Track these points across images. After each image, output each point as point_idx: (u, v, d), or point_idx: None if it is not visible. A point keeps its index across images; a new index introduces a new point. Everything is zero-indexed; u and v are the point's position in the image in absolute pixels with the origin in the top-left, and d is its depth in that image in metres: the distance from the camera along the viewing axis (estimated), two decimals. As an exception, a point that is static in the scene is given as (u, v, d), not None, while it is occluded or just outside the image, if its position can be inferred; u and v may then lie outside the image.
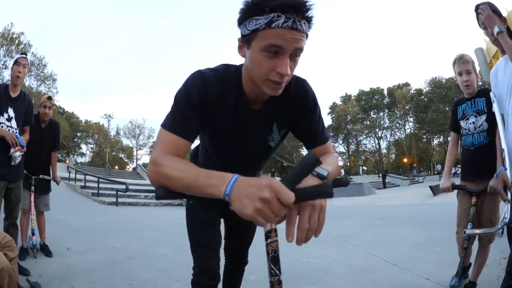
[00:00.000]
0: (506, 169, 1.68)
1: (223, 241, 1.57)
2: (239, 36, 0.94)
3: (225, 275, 1.73)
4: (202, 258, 1.38)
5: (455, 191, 2.38)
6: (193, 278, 1.39)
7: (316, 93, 1.13)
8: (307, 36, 0.90)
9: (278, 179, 0.77)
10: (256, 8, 0.86)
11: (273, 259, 0.87)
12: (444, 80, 47.30)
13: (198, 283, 1.36)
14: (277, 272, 0.88)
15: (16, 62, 2.93)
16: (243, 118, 1.08)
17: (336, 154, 1.16)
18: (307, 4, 0.85)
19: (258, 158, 1.27)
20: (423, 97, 50.49)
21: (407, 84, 53.67)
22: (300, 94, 1.09)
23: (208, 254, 1.38)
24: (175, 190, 0.87)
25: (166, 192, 0.87)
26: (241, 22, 0.91)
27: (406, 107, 51.59)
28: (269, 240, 0.87)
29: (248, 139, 1.14)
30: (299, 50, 0.89)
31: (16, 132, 2.86)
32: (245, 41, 0.92)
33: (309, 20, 0.88)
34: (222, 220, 1.53)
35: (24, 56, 3.05)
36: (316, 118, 1.13)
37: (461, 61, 2.32)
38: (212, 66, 1.08)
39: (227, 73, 1.04)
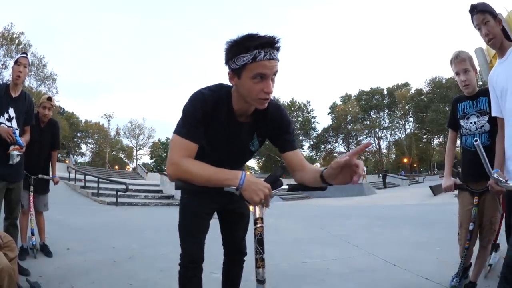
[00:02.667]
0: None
1: (219, 236, 1.78)
2: (229, 70, 1.25)
3: (224, 273, 1.81)
4: (187, 243, 1.64)
5: (456, 190, 2.36)
6: (179, 259, 1.64)
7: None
8: (279, 60, 1.22)
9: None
10: (241, 48, 1.18)
11: (259, 240, 1.21)
12: (444, 80, 47.28)
13: (182, 264, 1.63)
14: (261, 251, 1.21)
15: (16, 62, 2.91)
16: (231, 128, 1.40)
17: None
18: (276, 39, 1.19)
19: (241, 158, 1.61)
20: (423, 97, 50.48)
21: (407, 84, 53.68)
22: (277, 116, 1.45)
23: (193, 241, 1.63)
24: (193, 182, 1.22)
25: (182, 184, 1.24)
26: (228, 59, 1.23)
27: (406, 107, 51.59)
28: (256, 226, 1.21)
29: (234, 144, 1.46)
30: (276, 72, 1.23)
31: (16, 131, 2.83)
32: (236, 74, 1.23)
33: (279, 49, 1.21)
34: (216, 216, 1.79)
35: (25, 56, 3.03)
36: (289, 133, 1.48)
37: (458, 60, 2.24)
38: (210, 84, 1.40)
39: (220, 92, 1.35)
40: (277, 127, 1.45)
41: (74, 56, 74.04)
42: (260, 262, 1.20)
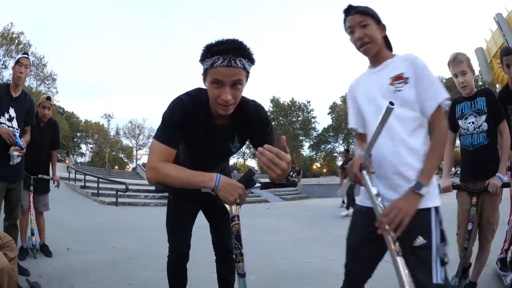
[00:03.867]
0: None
1: (208, 236, 1.88)
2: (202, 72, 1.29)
3: (218, 272, 1.88)
4: (174, 241, 1.77)
5: (455, 191, 2.36)
6: (168, 255, 1.79)
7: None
8: (245, 69, 1.23)
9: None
10: (206, 53, 1.22)
11: (236, 236, 1.29)
12: (444, 80, 47.28)
13: (170, 259, 1.78)
14: (240, 246, 1.28)
15: (18, 62, 2.89)
16: (210, 131, 1.43)
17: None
18: (241, 46, 1.20)
19: (222, 159, 1.69)
20: (423, 97, 50.44)
21: (407, 84, 53.62)
22: (255, 116, 1.44)
23: (179, 239, 1.76)
24: (171, 185, 1.28)
25: (163, 187, 1.33)
26: (200, 62, 1.26)
27: (406, 107, 51.55)
28: (233, 223, 1.29)
29: (214, 147, 1.50)
30: (238, 81, 1.23)
31: (17, 132, 2.81)
32: (203, 76, 1.28)
33: (246, 57, 1.21)
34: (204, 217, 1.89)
35: (26, 56, 3.01)
36: (267, 133, 1.49)
37: (455, 62, 2.25)
38: (188, 90, 1.44)
39: (199, 96, 1.38)
40: (254, 128, 1.46)
41: (74, 56, 74.12)
42: (239, 256, 1.28)
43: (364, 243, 1.41)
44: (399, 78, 1.38)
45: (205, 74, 1.26)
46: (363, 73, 1.56)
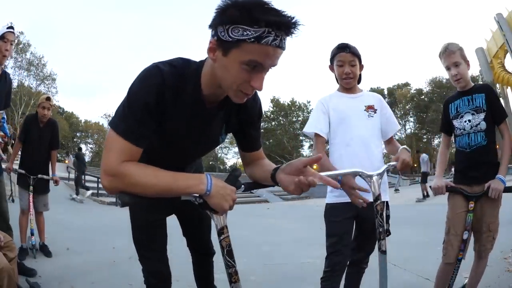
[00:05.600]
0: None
1: (182, 240, 1.64)
2: (212, 38, 0.89)
3: (195, 273, 1.71)
4: (149, 261, 1.41)
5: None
6: (144, 280, 1.43)
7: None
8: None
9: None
10: (245, 16, 0.81)
11: (228, 252, 1.01)
12: (444, 80, 47.28)
13: (149, 286, 1.42)
14: (233, 263, 1.02)
15: (2, 38, 2.46)
16: (198, 117, 1.06)
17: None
18: (298, 23, 0.84)
19: (203, 153, 1.35)
20: (423, 97, 50.51)
21: (407, 84, 53.66)
22: (252, 104, 1.13)
23: (155, 257, 1.40)
24: (143, 195, 0.92)
25: (131, 198, 0.95)
26: (219, 24, 0.85)
27: (407, 107, 51.62)
28: (222, 236, 1.01)
29: (200, 137, 1.14)
30: (275, 66, 0.90)
31: (4, 118, 2.59)
32: (222, 47, 0.87)
33: (290, 36, 0.87)
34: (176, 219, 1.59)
35: (12, 30, 2.54)
36: (258, 128, 1.23)
37: (446, 54, 2.04)
38: (168, 59, 1.03)
39: (185, 69, 1.00)
40: (249, 118, 1.16)
41: (74, 56, 74.05)
42: (234, 276, 1.02)
43: (350, 229, 1.97)
44: (371, 108, 1.91)
45: (231, 46, 0.85)
46: (334, 93, 1.99)
